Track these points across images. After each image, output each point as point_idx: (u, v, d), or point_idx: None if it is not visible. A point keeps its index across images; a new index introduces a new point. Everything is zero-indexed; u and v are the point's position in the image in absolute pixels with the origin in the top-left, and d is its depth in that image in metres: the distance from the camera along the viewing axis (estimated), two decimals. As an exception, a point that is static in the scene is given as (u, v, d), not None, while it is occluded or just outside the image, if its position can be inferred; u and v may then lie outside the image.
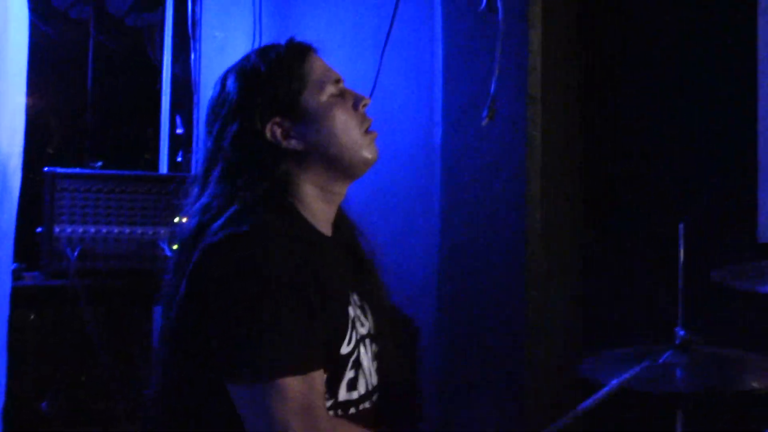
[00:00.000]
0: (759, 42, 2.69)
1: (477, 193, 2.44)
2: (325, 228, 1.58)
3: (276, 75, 1.53)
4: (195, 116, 3.24)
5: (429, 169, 2.53)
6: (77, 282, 2.72)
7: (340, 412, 1.47)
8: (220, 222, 1.43)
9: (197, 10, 3.26)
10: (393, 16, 2.50)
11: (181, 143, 3.37)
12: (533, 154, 2.41)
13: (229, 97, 1.53)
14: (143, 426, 2.58)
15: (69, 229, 2.77)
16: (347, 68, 1.69)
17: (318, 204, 1.56)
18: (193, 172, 2.45)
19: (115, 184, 2.81)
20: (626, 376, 1.61)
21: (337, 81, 1.58)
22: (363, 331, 1.55)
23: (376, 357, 1.59)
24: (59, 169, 2.81)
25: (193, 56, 3.24)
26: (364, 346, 1.55)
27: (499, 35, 2.15)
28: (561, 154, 2.71)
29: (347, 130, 1.55)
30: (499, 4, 2.17)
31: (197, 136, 3.17)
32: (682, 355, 1.81)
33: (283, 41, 1.61)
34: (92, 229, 2.79)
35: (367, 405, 1.53)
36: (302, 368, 1.33)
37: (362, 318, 1.57)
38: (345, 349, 1.48)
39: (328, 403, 1.44)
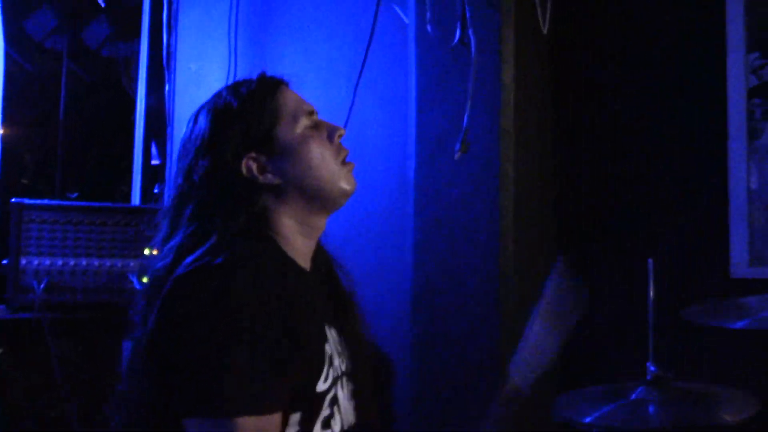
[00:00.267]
0: (728, 82, 2.76)
1: (450, 227, 2.43)
2: (305, 262, 1.56)
3: (248, 110, 1.52)
4: (168, 148, 3.21)
5: (402, 202, 2.52)
6: (44, 315, 2.66)
7: (314, 451, 1.44)
8: (196, 254, 1.41)
9: (172, 41, 3.24)
10: (367, 49, 2.51)
11: (157, 174, 3.34)
12: (506, 187, 2.41)
13: (201, 134, 1.51)
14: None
15: (36, 261, 2.72)
16: (321, 100, 1.68)
17: (297, 238, 1.54)
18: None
19: (84, 216, 2.77)
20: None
21: (311, 113, 1.57)
22: (341, 368, 1.52)
23: (354, 396, 1.56)
24: (27, 200, 2.77)
25: (167, 87, 3.23)
26: (341, 383, 1.52)
27: (471, 69, 2.16)
28: (534, 188, 2.72)
29: (324, 161, 1.53)
30: (471, 38, 2.19)
31: (170, 167, 3.15)
32: (654, 390, 1.81)
33: (256, 74, 1.60)
34: (60, 261, 2.73)
35: (342, 444, 1.50)
36: (260, 409, 1.30)
37: (340, 355, 1.54)
38: (321, 387, 1.45)
39: (303, 441, 1.40)
